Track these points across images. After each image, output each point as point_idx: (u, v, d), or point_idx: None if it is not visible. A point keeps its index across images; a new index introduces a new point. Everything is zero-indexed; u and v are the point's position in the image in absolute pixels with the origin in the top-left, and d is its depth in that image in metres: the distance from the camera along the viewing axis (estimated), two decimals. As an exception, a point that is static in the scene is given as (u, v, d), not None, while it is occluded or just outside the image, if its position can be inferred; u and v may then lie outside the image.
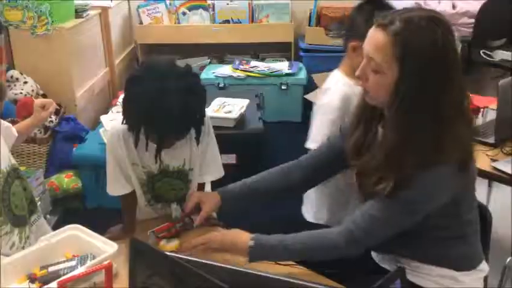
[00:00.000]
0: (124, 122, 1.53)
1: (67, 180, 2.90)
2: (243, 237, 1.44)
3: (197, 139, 1.58)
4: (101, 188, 2.95)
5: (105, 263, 1.33)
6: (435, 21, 1.28)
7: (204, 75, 4.15)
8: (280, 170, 1.68)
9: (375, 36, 1.32)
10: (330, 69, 4.08)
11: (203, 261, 1.11)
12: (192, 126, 1.53)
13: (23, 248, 1.55)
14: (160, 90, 1.41)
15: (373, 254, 1.61)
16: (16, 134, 1.68)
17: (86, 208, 3.00)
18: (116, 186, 1.68)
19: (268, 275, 1.03)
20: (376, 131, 1.46)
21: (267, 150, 3.45)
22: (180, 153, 1.64)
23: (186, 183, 1.72)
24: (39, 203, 1.69)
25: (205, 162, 1.71)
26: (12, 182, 1.55)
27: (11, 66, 3.16)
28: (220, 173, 1.75)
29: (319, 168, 1.66)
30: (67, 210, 2.96)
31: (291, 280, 1.02)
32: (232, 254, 1.44)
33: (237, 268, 1.07)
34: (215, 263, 1.11)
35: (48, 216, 2.82)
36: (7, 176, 1.53)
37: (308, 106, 4.14)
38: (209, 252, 1.46)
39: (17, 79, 3.04)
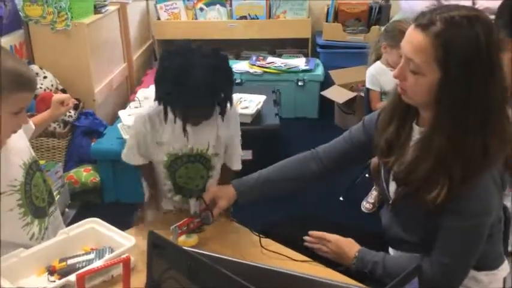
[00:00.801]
0: (154, 98, 1.56)
1: (85, 174, 2.93)
2: (354, 248, 1.52)
3: (222, 116, 1.60)
4: (119, 183, 2.99)
5: (123, 256, 1.35)
6: (477, 20, 1.23)
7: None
8: (297, 160, 1.69)
9: (414, 37, 1.28)
10: (347, 66, 4.14)
11: (220, 256, 1.10)
12: (216, 103, 1.55)
13: (42, 239, 1.58)
14: (189, 64, 1.46)
15: (391, 251, 1.60)
16: (33, 127, 1.70)
17: (103, 202, 3.03)
18: (129, 155, 1.72)
19: (288, 271, 1.03)
20: (409, 128, 1.44)
21: (283, 146, 3.44)
22: (205, 136, 1.66)
23: (207, 170, 1.72)
24: (57, 197, 1.71)
25: (228, 152, 1.74)
26: (34, 174, 1.58)
27: (31, 61, 3.21)
28: (238, 166, 1.78)
29: (336, 160, 1.65)
30: (85, 203, 2.99)
31: (310, 277, 1.01)
32: (338, 261, 1.52)
33: (256, 264, 1.07)
34: (233, 258, 1.11)
35: (66, 209, 2.86)
36: (29, 168, 1.55)
37: (325, 102, 4.14)
38: (321, 251, 1.55)
39: (37, 74, 3.07)
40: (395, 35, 2.72)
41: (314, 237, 1.58)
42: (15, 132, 1.45)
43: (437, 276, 1.35)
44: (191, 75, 1.46)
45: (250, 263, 1.08)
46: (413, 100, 1.37)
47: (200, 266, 1.00)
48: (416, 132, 1.41)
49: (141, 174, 1.80)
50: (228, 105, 1.59)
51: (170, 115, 1.57)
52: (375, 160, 2.77)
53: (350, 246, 1.52)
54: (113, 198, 3.02)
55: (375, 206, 2.94)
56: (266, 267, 1.04)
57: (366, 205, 2.97)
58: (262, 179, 1.66)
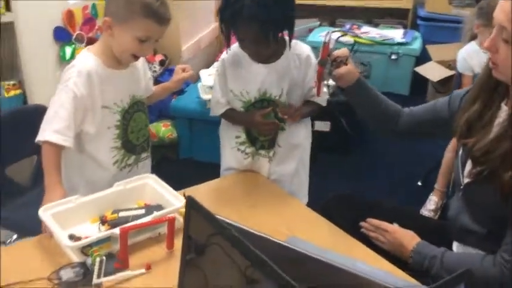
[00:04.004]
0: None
1: (164, 129, 3.00)
2: (412, 241, 1.42)
3: (289, 39, 1.59)
4: (195, 141, 3.03)
5: (169, 216, 1.35)
6: None
7: (310, 37, 4.02)
8: (394, 106, 1.61)
9: (507, 4, 1.20)
10: (449, 42, 3.84)
11: (258, 233, 1.05)
12: (276, 26, 1.52)
13: (123, 169, 1.65)
14: None
15: (455, 246, 1.47)
16: (153, 89, 1.78)
17: (179, 158, 3.10)
18: (213, 105, 1.77)
19: (325, 260, 0.95)
20: (496, 108, 1.33)
21: (365, 121, 3.30)
22: (278, 80, 1.64)
23: (277, 119, 1.70)
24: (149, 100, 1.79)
25: (310, 93, 1.70)
26: (137, 111, 1.64)
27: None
28: (323, 101, 1.71)
29: (413, 126, 1.57)
30: (162, 157, 3.07)
31: (348, 270, 0.91)
32: (395, 253, 1.44)
33: (291, 246, 1.00)
34: (276, 240, 1.06)
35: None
36: (134, 103, 1.62)
37: (418, 79, 3.89)
38: (378, 240, 1.48)
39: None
40: (489, 13, 2.45)
41: (372, 225, 1.49)
42: (136, 58, 1.54)
43: (498, 275, 1.24)
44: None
45: (287, 245, 1.02)
46: (505, 75, 1.25)
47: (230, 239, 0.96)
48: (504, 113, 1.30)
49: (226, 123, 1.80)
50: (305, 48, 1.61)
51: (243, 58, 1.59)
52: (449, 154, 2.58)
53: (409, 239, 1.42)
54: (187, 155, 3.08)
55: (436, 213, 2.66)
56: (300, 251, 0.97)
57: (426, 214, 2.67)
58: (373, 89, 1.58)
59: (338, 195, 1.70)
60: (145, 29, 1.46)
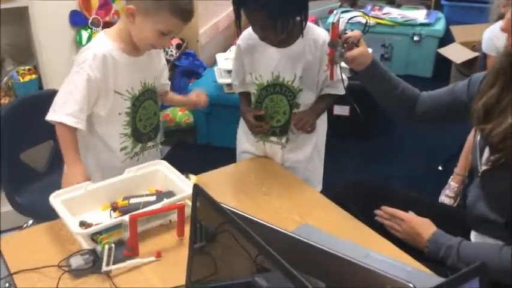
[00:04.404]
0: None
1: (180, 114, 2.99)
2: (429, 230, 1.37)
3: (303, 23, 1.55)
4: (212, 126, 3.01)
5: (179, 203, 1.33)
6: None
7: (330, 18, 3.93)
8: (412, 90, 1.55)
9: None
10: (473, 22, 3.72)
11: (262, 222, 1.02)
12: (285, 12, 1.48)
13: (131, 158, 1.64)
14: None
15: (473, 235, 1.42)
16: (167, 89, 1.78)
17: (196, 143, 3.09)
18: (232, 83, 1.81)
19: (331, 251, 0.91)
20: None
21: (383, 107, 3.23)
22: (291, 64, 1.61)
23: (291, 107, 1.67)
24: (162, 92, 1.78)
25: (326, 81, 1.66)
26: (148, 99, 1.62)
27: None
28: (342, 90, 1.64)
29: (441, 110, 1.51)
30: (179, 143, 3.06)
31: (358, 263, 0.88)
32: (410, 242, 1.40)
33: (298, 237, 0.97)
34: (282, 230, 1.03)
35: (160, 146, 2.95)
36: (145, 90, 1.61)
37: (441, 61, 3.79)
38: (393, 229, 1.44)
39: (145, 11, 3.13)
40: None
41: (387, 213, 1.45)
42: (154, 47, 1.54)
43: None
44: None
45: (294, 236, 0.99)
46: None
47: (236, 228, 0.94)
48: None
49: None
50: (322, 33, 1.58)
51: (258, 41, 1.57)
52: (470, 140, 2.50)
53: (425, 228, 1.37)
54: (205, 140, 3.06)
55: (455, 200, 2.55)
56: (309, 242, 0.94)
57: (446, 200, 2.57)
58: (389, 72, 1.52)
59: (351, 182, 1.66)
60: (169, 24, 1.45)
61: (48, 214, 1.41)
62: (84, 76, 1.46)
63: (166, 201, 1.37)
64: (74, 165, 1.49)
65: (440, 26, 3.85)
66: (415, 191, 1.65)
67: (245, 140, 1.81)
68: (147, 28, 1.46)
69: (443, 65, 3.79)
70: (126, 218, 1.28)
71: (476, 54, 3.44)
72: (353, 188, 1.60)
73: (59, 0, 2.47)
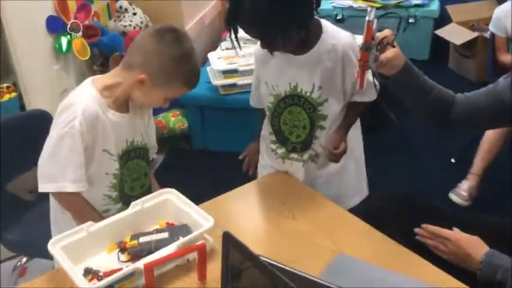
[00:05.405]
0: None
1: (174, 119, 2.80)
2: (480, 250, 1.23)
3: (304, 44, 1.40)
4: (207, 130, 2.83)
5: (199, 243, 1.17)
6: None
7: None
8: (447, 93, 1.39)
9: None
10: (469, 0, 3.58)
11: (293, 270, 0.90)
12: (289, 22, 1.32)
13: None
14: None
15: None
16: (154, 152, 1.62)
17: (192, 149, 2.91)
18: (251, 96, 1.67)
19: None
20: None
21: (386, 89, 3.08)
22: (307, 73, 1.45)
23: (311, 120, 1.50)
24: (153, 154, 1.58)
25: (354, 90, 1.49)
26: (134, 159, 1.45)
27: (121, -4, 3.05)
28: (371, 96, 1.48)
29: (482, 113, 1.36)
30: (173, 150, 2.88)
31: None
32: (459, 264, 1.26)
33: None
34: (310, 277, 0.91)
35: (154, 155, 2.77)
36: (130, 150, 1.44)
37: (437, 42, 3.65)
38: (438, 250, 1.30)
39: (126, 10, 2.93)
40: None
41: (429, 231, 1.30)
42: (150, 107, 1.49)
43: None
44: None
45: (327, 284, 0.85)
46: None
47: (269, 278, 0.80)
48: None
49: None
50: (344, 36, 1.42)
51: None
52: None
53: (476, 247, 1.23)
54: (200, 145, 2.88)
55: (470, 198, 2.37)
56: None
57: (456, 196, 2.40)
58: (424, 77, 1.36)
59: (386, 197, 1.50)
60: (179, 93, 1.40)
61: (41, 248, 1.24)
62: (77, 136, 1.27)
63: (182, 240, 1.20)
64: None
65: (435, 6, 3.71)
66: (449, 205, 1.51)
67: (267, 154, 1.64)
68: (155, 95, 1.37)
69: (440, 47, 3.66)
70: (140, 265, 1.11)
71: (476, 34, 3.31)
72: (389, 204, 1.45)
73: (33, 6, 2.25)
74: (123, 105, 1.38)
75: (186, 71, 1.33)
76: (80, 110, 1.27)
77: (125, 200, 1.44)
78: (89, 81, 1.36)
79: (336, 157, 1.48)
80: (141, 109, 1.45)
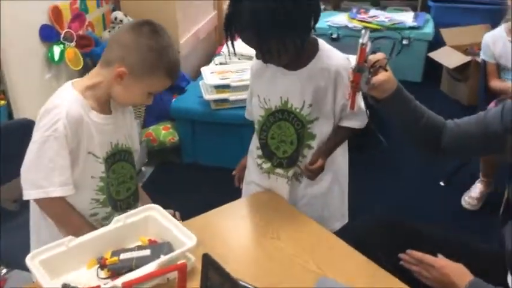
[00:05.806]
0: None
1: (164, 132, 2.78)
2: (464, 278, 1.21)
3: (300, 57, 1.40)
4: (198, 143, 2.82)
5: (180, 262, 1.15)
6: None
7: (315, 24, 3.78)
8: (437, 119, 1.38)
9: None
10: (464, 24, 3.60)
11: None
12: (289, 34, 1.33)
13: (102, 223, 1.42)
14: None
15: (510, 279, 1.28)
16: (138, 146, 1.58)
17: (182, 162, 2.89)
18: (247, 112, 1.67)
19: None
20: None
21: (378, 110, 3.09)
22: (298, 87, 1.45)
23: (299, 137, 1.49)
24: (136, 158, 1.56)
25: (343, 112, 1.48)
26: (118, 161, 1.43)
27: (117, 7, 3.06)
28: (358, 122, 1.49)
29: (471, 140, 1.35)
30: (163, 163, 2.86)
31: None
32: None
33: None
34: None
35: (143, 168, 2.75)
36: (115, 153, 1.42)
37: (431, 65, 3.66)
38: (421, 276, 1.28)
39: (121, 21, 2.93)
40: None
41: (413, 257, 1.29)
42: (134, 105, 1.46)
43: None
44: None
45: None
46: None
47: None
48: None
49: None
50: (338, 57, 1.42)
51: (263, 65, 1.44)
52: None
53: (460, 274, 1.21)
54: (191, 159, 2.86)
55: (479, 202, 2.48)
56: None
57: (469, 200, 2.49)
58: (414, 101, 1.35)
59: (373, 221, 1.49)
60: (161, 86, 1.37)
61: (21, 260, 1.20)
62: (61, 139, 1.26)
63: (163, 258, 1.18)
64: (88, 230, 1.29)
65: (429, 29, 3.74)
66: (437, 225, 1.50)
67: (252, 170, 1.63)
68: (138, 90, 1.34)
69: (433, 69, 3.68)
70: (119, 284, 1.08)
71: (469, 58, 3.33)
72: (376, 228, 1.43)
73: (27, 15, 2.24)
74: (105, 106, 1.37)
75: (167, 61, 1.32)
76: (63, 112, 1.26)
77: (113, 204, 1.42)
78: (68, 84, 1.34)
79: (311, 172, 1.48)
80: (123, 107, 1.43)
